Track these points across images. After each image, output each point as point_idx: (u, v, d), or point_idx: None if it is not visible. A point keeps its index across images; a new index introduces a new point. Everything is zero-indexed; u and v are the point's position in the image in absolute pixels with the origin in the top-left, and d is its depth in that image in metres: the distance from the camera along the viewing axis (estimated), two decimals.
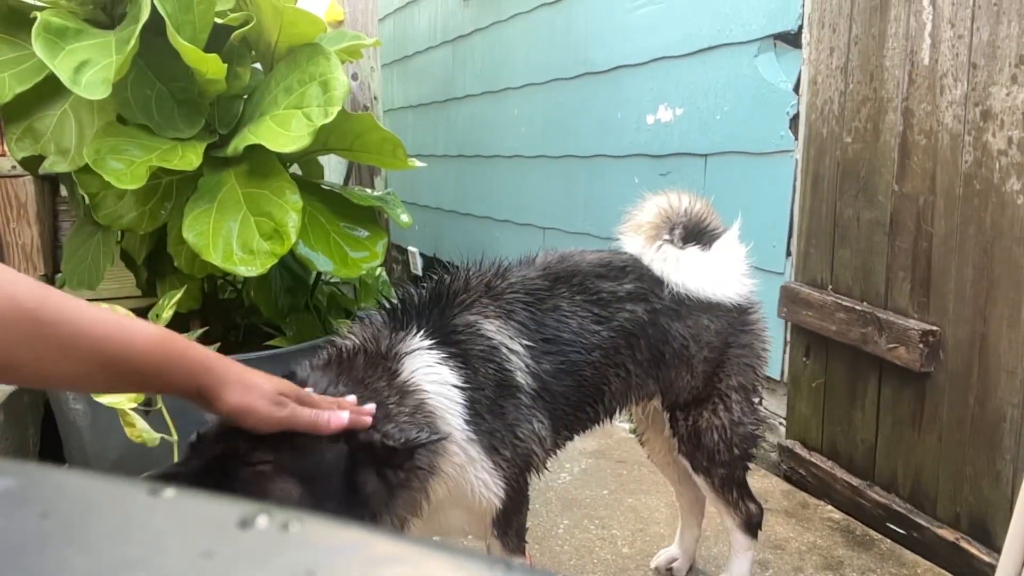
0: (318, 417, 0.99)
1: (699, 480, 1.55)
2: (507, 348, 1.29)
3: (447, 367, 1.22)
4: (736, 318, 1.50)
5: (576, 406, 1.39)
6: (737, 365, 1.51)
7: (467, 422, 1.22)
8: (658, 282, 1.46)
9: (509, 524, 1.34)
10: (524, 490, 1.35)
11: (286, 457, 1.01)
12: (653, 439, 1.69)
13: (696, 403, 1.50)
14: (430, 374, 1.20)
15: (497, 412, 1.26)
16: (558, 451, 1.44)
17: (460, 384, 1.22)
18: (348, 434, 1.05)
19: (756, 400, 1.56)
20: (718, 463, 1.52)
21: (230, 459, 0.99)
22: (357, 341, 1.24)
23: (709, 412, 1.50)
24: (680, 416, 1.51)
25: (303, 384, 1.10)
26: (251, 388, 0.94)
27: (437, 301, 1.31)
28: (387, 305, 1.31)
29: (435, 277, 1.37)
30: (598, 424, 1.48)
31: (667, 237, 1.49)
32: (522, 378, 1.29)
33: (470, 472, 1.23)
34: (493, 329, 1.29)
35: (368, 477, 1.07)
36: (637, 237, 1.52)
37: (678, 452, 1.54)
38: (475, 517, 1.31)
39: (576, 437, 1.48)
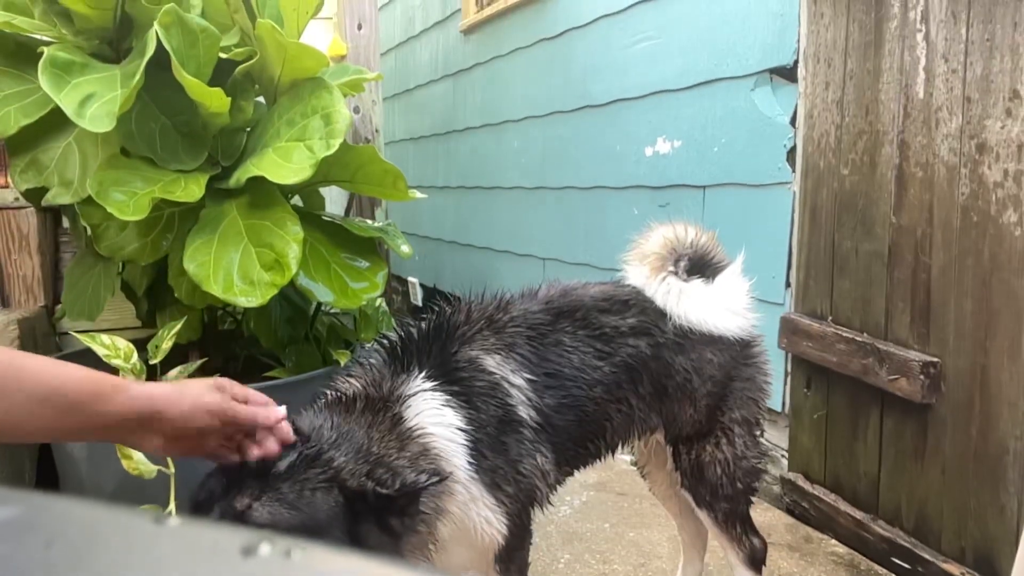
0: (256, 414, 1.01)
1: (702, 515, 1.54)
2: (508, 383, 1.28)
3: (451, 408, 1.22)
4: (739, 352, 1.50)
5: (578, 441, 1.38)
6: (740, 399, 1.50)
7: (471, 461, 1.21)
8: (661, 315, 1.45)
9: (511, 559, 1.33)
10: (527, 525, 1.34)
11: (286, 517, 1.00)
12: (655, 472, 1.68)
13: (699, 437, 1.49)
14: (434, 417, 1.20)
15: (499, 449, 1.25)
16: (560, 485, 1.42)
17: (463, 425, 1.21)
18: (340, 485, 1.04)
19: (759, 434, 1.56)
20: (721, 497, 1.50)
21: (225, 521, 1.00)
22: (357, 386, 1.24)
23: (712, 446, 1.49)
24: (683, 450, 1.50)
25: (306, 436, 1.11)
26: (187, 384, 0.99)
27: (438, 336, 1.30)
28: (387, 343, 1.30)
29: (436, 310, 1.37)
30: (600, 459, 1.48)
31: (672, 269, 1.49)
32: (524, 412, 1.29)
33: (473, 510, 1.23)
34: (494, 364, 1.29)
35: (369, 529, 1.06)
36: (642, 267, 1.52)
37: (680, 486, 1.53)
38: (478, 554, 1.29)
39: (577, 472, 1.47)
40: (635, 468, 2.01)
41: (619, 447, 1.49)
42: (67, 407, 0.87)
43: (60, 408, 0.86)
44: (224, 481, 1.04)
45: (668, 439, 1.51)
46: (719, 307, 1.48)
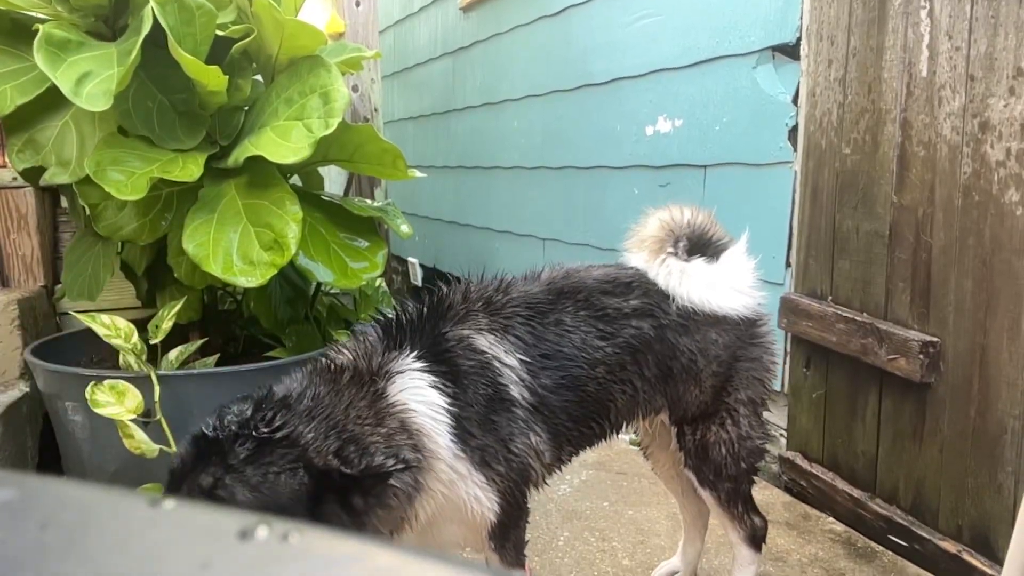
0: None
1: (705, 494, 1.54)
2: (500, 362, 1.29)
3: (435, 388, 1.22)
4: (744, 331, 1.49)
5: (579, 421, 1.38)
6: (746, 379, 1.50)
7: (455, 440, 1.21)
8: (664, 297, 1.45)
9: (506, 537, 1.33)
10: (521, 504, 1.34)
11: (248, 498, 1.02)
12: (658, 452, 1.68)
13: (704, 417, 1.49)
14: (417, 394, 1.21)
15: (488, 427, 1.25)
16: (562, 465, 1.43)
17: (447, 404, 1.22)
18: (307, 464, 1.05)
19: (763, 413, 1.56)
20: (724, 477, 1.51)
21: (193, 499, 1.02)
22: (349, 357, 1.25)
23: (717, 426, 1.49)
24: (687, 430, 1.50)
25: (283, 400, 1.12)
26: None
27: (432, 316, 1.31)
28: (383, 320, 1.32)
29: (434, 290, 1.38)
30: (604, 439, 1.48)
31: (671, 250, 1.49)
32: (517, 392, 1.29)
33: (461, 488, 1.23)
34: (486, 344, 1.29)
35: (332, 509, 1.07)
36: (641, 252, 1.51)
37: (684, 466, 1.53)
38: (471, 531, 1.31)
39: (581, 452, 1.47)
40: (635, 448, 2.02)
41: (624, 427, 1.50)
42: None
43: None
44: (195, 452, 1.06)
45: (673, 420, 1.51)
46: (723, 286, 1.47)
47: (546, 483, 1.40)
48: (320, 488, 1.06)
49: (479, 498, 1.25)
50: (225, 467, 1.03)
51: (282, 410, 1.12)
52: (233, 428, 1.07)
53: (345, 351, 1.27)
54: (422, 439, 1.19)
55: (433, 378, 1.23)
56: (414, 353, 1.25)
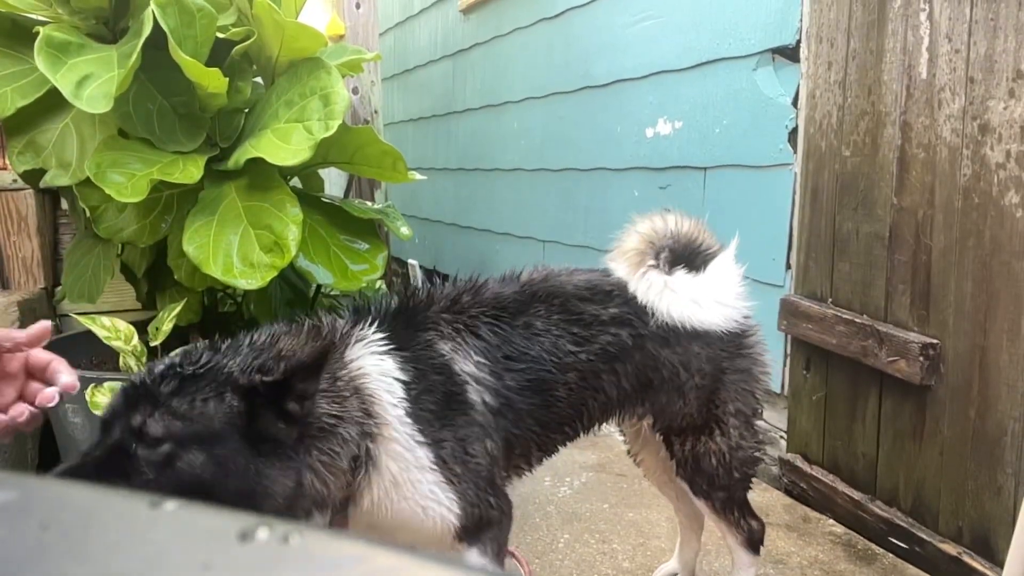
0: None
1: (699, 502, 1.53)
2: (458, 364, 1.27)
3: (393, 360, 1.21)
4: (730, 343, 1.46)
5: (547, 425, 1.35)
6: (734, 391, 1.47)
7: (411, 419, 1.19)
8: (644, 307, 1.42)
9: (480, 540, 1.28)
10: (486, 509, 1.28)
11: (179, 427, 1.03)
12: (648, 459, 1.66)
13: (692, 429, 1.46)
14: (374, 360, 1.20)
15: (446, 423, 1.23)
16: (531, 468, 1.41)
17: (404, 378, 1.20)
18: (233, 386, 1.06)
19: (756, 423, 1.53)
20: (718, 487, 1.49)
21: (128, 442, 1.03)
22: (316, 322, 1.26)
23: (707, 438, 1.46)
24: (676, 441, 1.48)
25: (213, 344, 1.14)
26: None
27: (399, 313, 1.30)
28: (355, 302, 1.33)
29: (405, 290, 1.38)
30: (576, 440, 1.46)
31: (652, 262, 1.44)
32: (475, 395, 1.26)
33: (417, 477, 1.19)
34: (447, 348, 1.27)
35: (268, 420, 1.07)
36: (621, 265, 1.47)
37: (676, 475, 1.51)
38: (432, 539, 1.25)
39: (552, 455, 1.45)
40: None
41: (597, 428, 1.48)
42: None
43: None
44: (123, 399, 1.07)
45: (658, 428, 1.48)
46: (705, 299, 1.43)
47: (509, 485, 1.36)
48: (251, 406, 1.06)
49: (438, 497, 1.21)
50: (152, 404, 1.04)
51: (210, 351, 1.13)
52: (158, 372, 1.08)
53: (311, 320, 1.27)
54: (373, 405, 1.17)
55: (394, 352, 1.22)
56: (379, 328, 1.24)
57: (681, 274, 1.44)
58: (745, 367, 1.48)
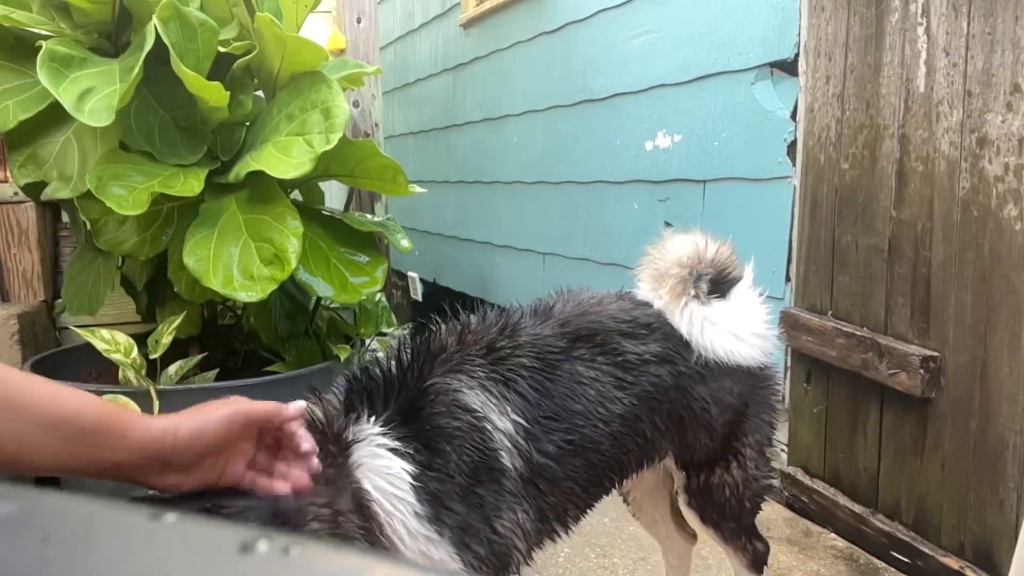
0: (268, 407, 0.89)
1: (707, 530, 1.47)
2: (492, 424, 1.10)
3: (401, 457, 1.03)
4: (756, 376, 1.40)
5: (589, 484, 1.23)
6: (755, 423, 1.41)
7: (426, 519, 1.03)
8: (684, 342, 1.32)
9: None
10: None
11: None
12: (640, 499, 1.61)
13: (710, 461, 1.40)
14: (376, 468, 1.02)
15: (472, 501, 1.07)
16: (566, 533, 1.26)
17: (417, 473, 1.03)
18: None
19: (769, 452, 1.47)
20: (729, 518, 1.43)
21: None
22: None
23: (722, 470, 1.40)
24: (692, 473, 1.41)
25: None
26: (203, 404, 0.88)
27: (417, 363, 1.13)
28: (349, 376, 1.13)
29: (426, 330, 1.19)
30: (611, 492, 1.35)
31: (692, 293, 1.35)
32: (509, 460, 1.11)
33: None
34: (478, 402, 1.11)
35: None
36: (660, 290, 1.37)
37: (687, 505, 1.45)
38: None
39: (585, 515, 1.30)
40: None
41: (632, 477, 1.38)
42: (78, 437, 0.77)
43: (70, 438, 0.77)
44: None
45: (679, 465, 1.41)
46: (743, 332, 1.35)
47: (528, 564, 1.19)
48: None
49: None
50: None
51: None
52: None
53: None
54: (379, 524, 1.01)
55: (400, 444, 1.04)
56: (383, 415, 1.06)
57: (718, 305, 1.36)
58: (764, 398, 1.43)
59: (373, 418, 1.05)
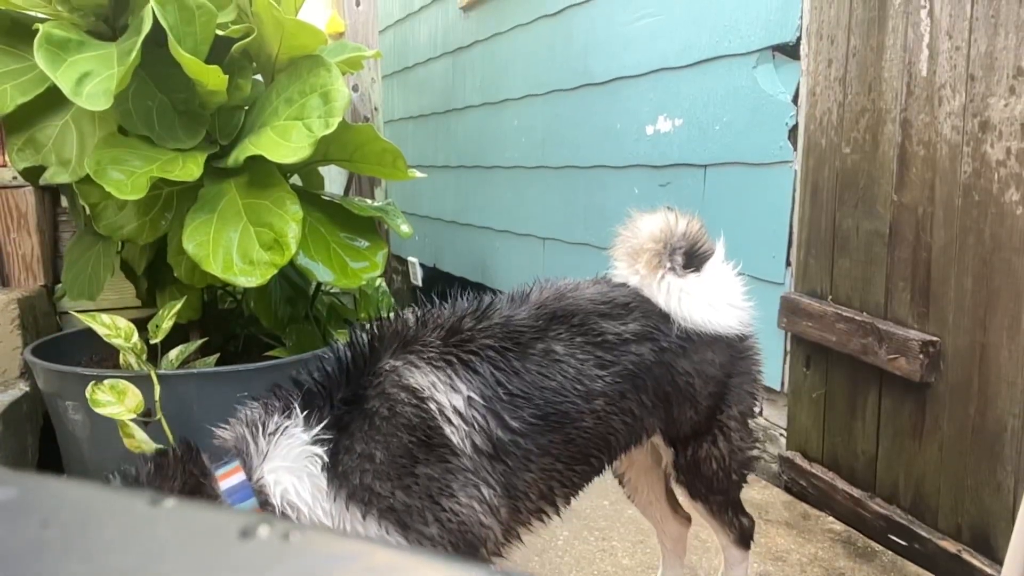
0: None
1: (696, 505, 1.51)
2: (438, 404, 1.12)
3: (319, 445, 1.06)
4: (737, 346, 1.43)
5: (574, 459, 1.25)
6: (738, 395, 1.44)
7: (348, 503, 1.06)
8: (664, 318, 1.35)
9: None
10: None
11: None
12: (636, 479, 1.63)
13: (696, 435, 1.43)
14: (289, 459, 1.06)
15: (407, 482, 1.08)
16: (558, 512, 1.28)
17: (333, 460, 1.06)
18: None
19: (752, 423, 1.51)
20: (716, 491, 1.47)
21: None
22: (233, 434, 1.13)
23: (708, 443, 1.43)
24: (679, 448, 1.45)
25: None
26: None
27: (375, 345, 1.15)
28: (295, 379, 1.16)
29: (386, 319, 1.21)
30: (602, 472, 1.37)
31: (668, 265, 1.39)
32: (459, 439, 1.12)
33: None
34: (425, 382, 1.13)
35: None
36: (635, 265, 1.41)
37: (675, 480, 1.49)
38: None
39: (580, 492, 1.33)
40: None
41: (623, 456, 1.42)
42: None
43: None
44: None
45: (667, 441, 1.44)
46: (718, 302, 1.39)
47: (517, 542, 1.23)
48: None
49: None
50: None
51: None
52: None
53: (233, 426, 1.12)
54: (287, 511, 1.05)
55: (321, 432, 1.07)
56: (319, 406, 1.09)
57: (693, 278, 1.40)
58: (746, 369, 1.46)
59: (302, 413, 1.09)
